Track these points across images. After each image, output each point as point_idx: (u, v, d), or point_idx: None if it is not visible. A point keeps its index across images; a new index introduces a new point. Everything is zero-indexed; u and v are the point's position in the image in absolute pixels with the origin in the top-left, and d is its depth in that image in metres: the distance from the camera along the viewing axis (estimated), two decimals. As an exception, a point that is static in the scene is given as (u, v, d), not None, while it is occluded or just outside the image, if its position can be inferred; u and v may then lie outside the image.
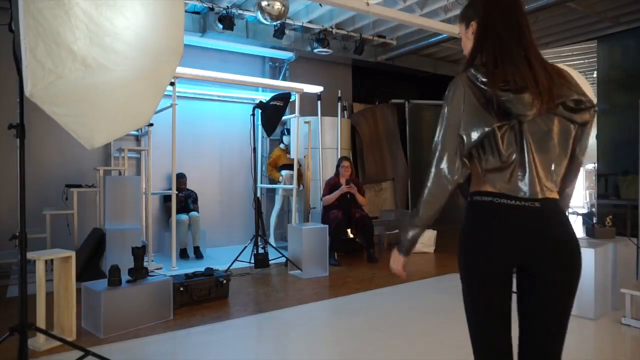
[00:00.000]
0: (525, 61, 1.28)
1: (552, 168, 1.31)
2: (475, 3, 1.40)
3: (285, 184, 6.30)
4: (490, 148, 1.30)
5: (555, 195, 1.34)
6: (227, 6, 5.56)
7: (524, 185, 1.29)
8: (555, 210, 1.32)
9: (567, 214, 1.38)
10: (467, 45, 1.42)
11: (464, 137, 1.29)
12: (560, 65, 1.34)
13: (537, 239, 1.30)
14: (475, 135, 1.28)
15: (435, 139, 1.33)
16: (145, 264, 3.55)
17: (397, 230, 6.64)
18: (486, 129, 1.27)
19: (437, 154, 1.32)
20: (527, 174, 1.29)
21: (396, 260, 1.47)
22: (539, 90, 1.24)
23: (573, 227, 1.36)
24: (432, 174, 1.33)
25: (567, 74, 1.33)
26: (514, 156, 1.29)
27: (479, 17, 1.36)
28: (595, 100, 1.42)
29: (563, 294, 1.34)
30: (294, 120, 6.00)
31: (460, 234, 1.39)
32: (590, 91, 1.27)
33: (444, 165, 1.31)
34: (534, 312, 1.36)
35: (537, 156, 1.29)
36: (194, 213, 5.82)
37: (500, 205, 1.31)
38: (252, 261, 5.14)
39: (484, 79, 1.27)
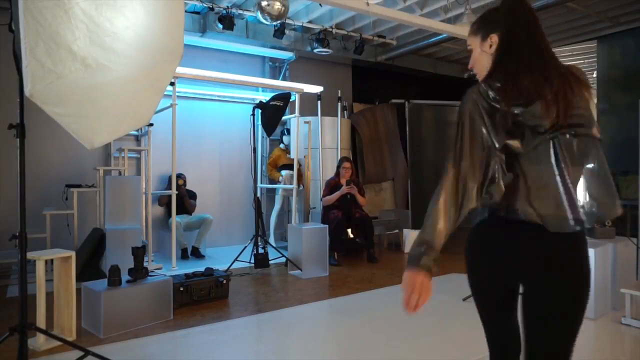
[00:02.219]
0: (542, 75, 1.24)
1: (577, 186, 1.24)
2: (495, 16, 1.35)
3: (285, 184, 6.30)
4: (501, 167, 1.23)
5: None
6: (227, 6, 5.56)
7: (549, 208, 1.22)
8: (568, 233, 1.23)
9: (583, 239, 1.32)
10: (481, 58, 1.37)
11: (485, 152, 1.22)
12: (577, 73, 1.29)
13: (530, 259, 1.26)
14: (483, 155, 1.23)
15: (453, 151, 1.23)
16: (145, 264, 3.55)
17: (397, 230, 6.64)
18: (494, 147, 1.22)
19: (458, 162, 1.22)
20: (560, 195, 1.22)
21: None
22: (553, 99, 1.21)
23: (585, 255, 1.33)
24: (445, 179, 1.22)
25: (581, 85, 1.26)
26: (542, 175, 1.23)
27: (501, 31, 1.32)
28: (594, 116, 1.35)
29: (552, 323, 1.27)
30: (294, 120, 6.00)
31: (468, 240, 1.39)
32: (593, 106, 1.23)
33: (464, 166, 1.22)
34: (525, 333, 1.34)
35: (569, 172, 1.22)
36: (206, 215, 5.85)
37: (508, 221, 1.26)
38: (252, 261, 5.14)
39: (495, 96, 1.22)
